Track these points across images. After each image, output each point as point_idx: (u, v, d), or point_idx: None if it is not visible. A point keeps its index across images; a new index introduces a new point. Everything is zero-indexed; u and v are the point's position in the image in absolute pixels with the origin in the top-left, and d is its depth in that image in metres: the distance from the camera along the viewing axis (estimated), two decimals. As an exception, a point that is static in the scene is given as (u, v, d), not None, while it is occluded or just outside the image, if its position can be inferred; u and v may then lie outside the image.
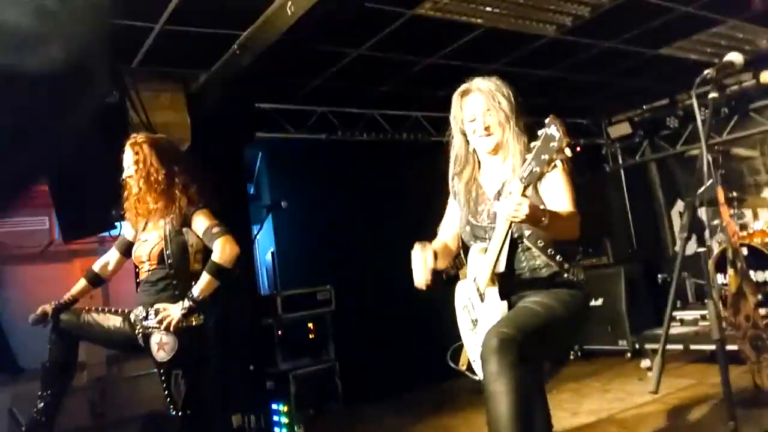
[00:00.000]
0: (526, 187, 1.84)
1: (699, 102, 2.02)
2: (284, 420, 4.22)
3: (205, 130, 4.39)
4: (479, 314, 2.11)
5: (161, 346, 2.64)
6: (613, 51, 5.03)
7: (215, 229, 2.72)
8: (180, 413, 2.60)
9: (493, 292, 2.02)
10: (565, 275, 2.05)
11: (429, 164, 5.44)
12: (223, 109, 4.40)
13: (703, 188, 1.81)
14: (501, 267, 2.01)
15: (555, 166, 1.78)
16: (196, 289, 2.66)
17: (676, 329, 5.35)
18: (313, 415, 4.67)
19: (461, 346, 2.24)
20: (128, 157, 2.83)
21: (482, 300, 2.08)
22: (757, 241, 4.83)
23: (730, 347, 4.50)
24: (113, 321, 2.79)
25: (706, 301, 5.21)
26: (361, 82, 5.06)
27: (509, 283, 2.03)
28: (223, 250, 2.67)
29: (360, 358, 5.09)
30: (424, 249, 2.14)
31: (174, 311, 2.64)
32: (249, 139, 4.95)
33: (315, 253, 5.25)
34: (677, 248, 7.14)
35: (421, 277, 2.14)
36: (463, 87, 2.20)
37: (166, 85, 4.32)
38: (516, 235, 2.01)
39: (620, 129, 7.10)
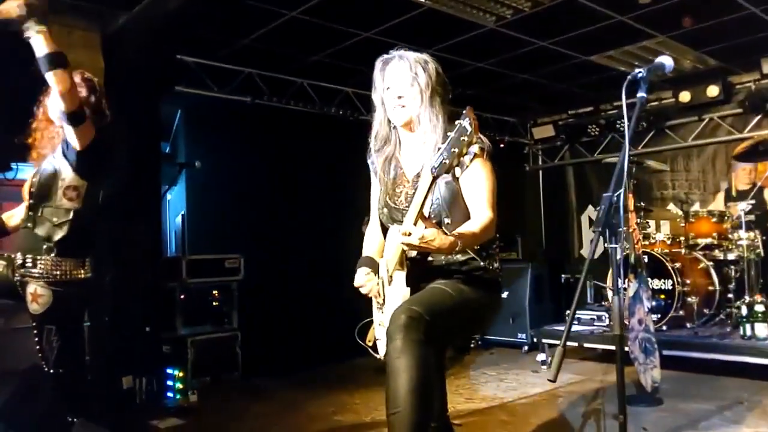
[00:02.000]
0: (431, 186, 1.77)
1: (624, 106, 2.00)
2: (178, 385, 4.12)
3: (121, 76, 4.10)
4: (386, 296, 2.05)
5: (35, 298, 2.43)
6: (547, 51, 5.11)
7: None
8: (52, 371, 2.42)
9: (400, 276, 1.96)
10: (481, 263, 2.02)
11: (355, 143, 5.35)
12: (142, 55, 4.14)
13: (621, 190, 1.80)
14: (411, 253, 1.94)
15: (462, 160, 1.73)
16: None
17: (573, 327, 5.56)
18: (210, 383, 4.57)
19: (371, 323, 2.18)
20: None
21: (389, 283, 2.02)
22: (657, 251, 5.07)
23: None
24: None
25: (605, 302, 5.45)
26: (294, 48, 4.90)
27: (418, 270, 1.97)
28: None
29: (263, 330, 5.01)
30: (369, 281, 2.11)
31: None
32: (167, 91, 4.71)
33: (227, 220, 5.10)
34: (583, 251, 7.49)
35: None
36: (386, 55, 2.10)
37: (81, 21, 3.99)
38: (434, 221, 1.93)
39: (544, 131, 7.32)
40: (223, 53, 4.95)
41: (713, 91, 5.83)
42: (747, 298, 4.65)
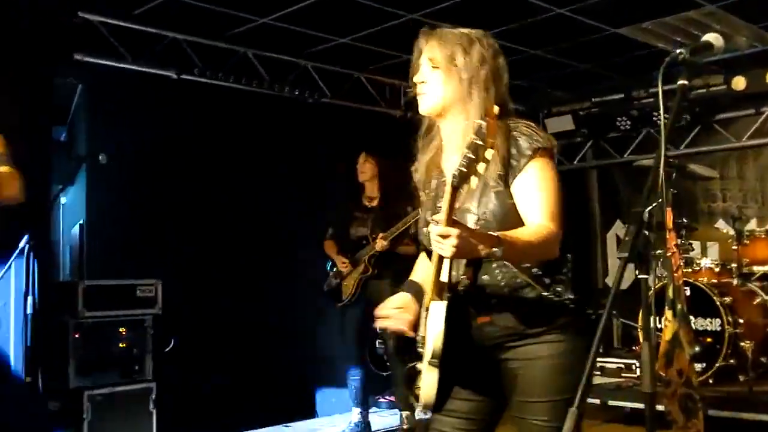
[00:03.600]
0: (453, 195, 1.82)
1: (660, 94, 2.01)
2: None
3: (2, 38, 4.04)
4: (426, 334, 2.05)
5: None
6: (565, 20, 5.17)
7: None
8: None
9: (438, 309, 1.97)
10: (549, 295, 2.05)
11: (315, 132, 5.44)
12: (28, 11, 4.06)
13: (655, 204, 1.80)
14: (443, 276, 1.98)
15: (476, 170, 1.77)
16: None
17: (594, 379, 5.59)
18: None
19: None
20: None
21: (426, 317, 2.03)
22: (702, 281, 5.13)
23: (658, 407, 4.79)
24: None
25: (635, 346, 5.50)
26: (235, 6, 4.88)
27: (472, 299, 2.04)
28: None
29: (187, 381, 4.99)
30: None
31: None
32: (63, 61, 4.68)
33: (142, 233, 5.08)
34: (609, 280, 7.57)
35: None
36: (419, 37, 2.15)
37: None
38: None
39: (560, 123, 7.34)
40: (141, 12, 4.93)
41: (775, 77, 5.95)
42: (816, 344, 4.73)
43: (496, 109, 1.80)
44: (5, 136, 2.87)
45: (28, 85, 4.26)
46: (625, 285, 7.96)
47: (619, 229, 7.56)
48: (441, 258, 1.96)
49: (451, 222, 1.85)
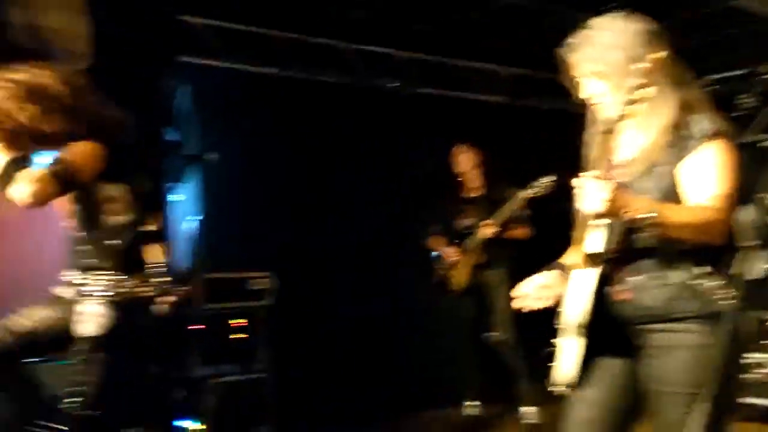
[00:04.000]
0: (607, 142, 1.92)
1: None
2: None
3: (110, 44, 4.20)
4: (570, 305, 2.10)
5: (90, 318, 2.68)
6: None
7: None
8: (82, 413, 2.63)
9: (588, 276, 2.01)
10: (702, 281, 1.98)
11: (415, 124, 5.37)
12: (135, 17, 4.22)
13: None
14: (593, 246, 2.01)
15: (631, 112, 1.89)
16: None
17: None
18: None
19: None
20: None
21: (574, 285, 2.09)
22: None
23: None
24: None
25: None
26: (332, 1, 4.96)
27: (614, 272, 2.03)
28: None
29: (304, 369, 5.12)
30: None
31: None
32: (169, 63, 4.87)
33: (253, 227, 5.19)
34: (736, 270, 7.18)
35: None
36: (569, 42, 2.15)
37: (56, -25, 4.15)
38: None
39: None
40: (240, 11, 5.06)
41: None
42: None
43: (655, 56, 1.86)
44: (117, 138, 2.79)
45: (136, 88, 4.43)
46: (757, 275, 7.59)
47: (750, 213, 7.14)
48: (587, 224, 1.97)
49: (604, 174, 1.85)
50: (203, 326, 4.77)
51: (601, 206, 1.80)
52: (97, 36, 4.23)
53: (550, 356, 2.19)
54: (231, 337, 4.89)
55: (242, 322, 4.94)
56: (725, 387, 1.94)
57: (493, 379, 5.35)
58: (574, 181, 1.86)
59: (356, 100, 5.71)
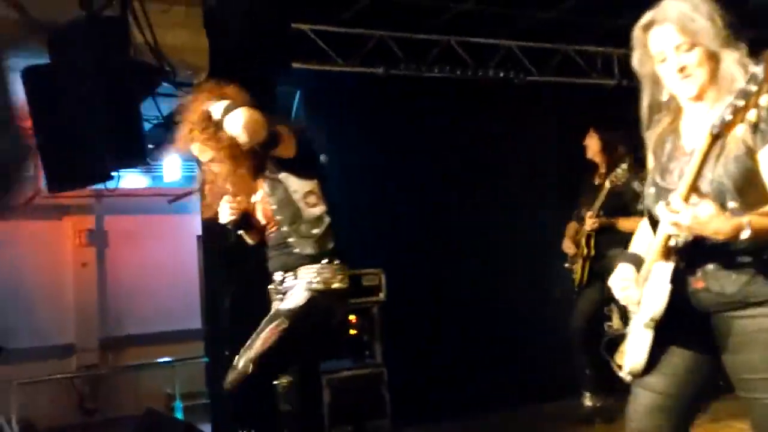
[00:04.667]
0: (708, 153, 1.83)
1: None
2: None
3: (227, 56, 4.43)
4: (643, 296, 2.09)
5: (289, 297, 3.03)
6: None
7: None
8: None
9: (663, 269, 2.01)
10: None
11: (525, 112, 5.37)
12: (250, 27, 4.42)
13: None
14: (680, 239, 2.00)
15: (746, 116, 1.77)
16: None
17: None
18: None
19: (621, 336, 2.24)
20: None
21: (646, 278, 2.08)
22: None
23: None
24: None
25: None
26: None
27: (689, 261, 2.02)
28: None
29: (416, 364, 5.17)
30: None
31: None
32: (283, 69, 5.04)
33: (363, 225, 5.26)
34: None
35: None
36: (646, 18, 2.15)
37: (179, -5, 4.39)
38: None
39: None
40: (347, 15, 5.20)
41: None
42: None
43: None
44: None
45: (255, 92, 4.58)
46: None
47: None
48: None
49: (696, 190, 1.86)
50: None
51: (686, 233, 1.85)
52: (215, 49, 4.49)
53: (612, 343, 2.24)
54: (349, 333, 4.98)
55: (355, 318, 5.07)
56: None
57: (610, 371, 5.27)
58: (664, 209, 1.86)
59: (462, 94, 5.70)
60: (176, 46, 4.30)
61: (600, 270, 4.90)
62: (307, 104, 5.59)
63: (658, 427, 2.10)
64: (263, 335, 2.91)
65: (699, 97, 2.09)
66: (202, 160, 3.08)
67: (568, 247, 5.04)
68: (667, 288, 1.97)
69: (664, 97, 2.19)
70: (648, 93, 2.22)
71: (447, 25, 5.50)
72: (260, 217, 3.21)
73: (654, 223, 2.12)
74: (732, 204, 1.94)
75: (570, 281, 5.09)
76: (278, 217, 3.10)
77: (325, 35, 5.33)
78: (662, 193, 2.09)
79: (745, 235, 1.81)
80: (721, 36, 2.03)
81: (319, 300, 3.00)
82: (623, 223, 4.78)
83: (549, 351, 5.47)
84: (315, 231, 3.08)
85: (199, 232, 6.12)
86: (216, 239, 4.73)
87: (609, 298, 4.97)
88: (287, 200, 3.09)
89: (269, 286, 3.23)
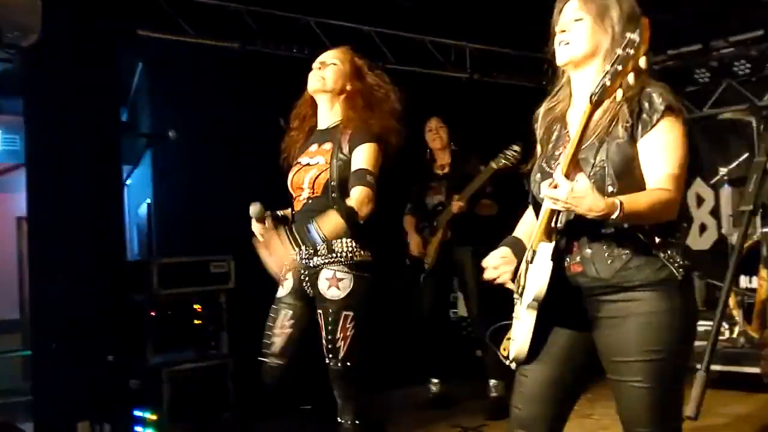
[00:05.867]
0: (587, 122, 1.89)
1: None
2: None
3: (62, 17, 4.10)
4: (527, 279, 2.12)
5: (334, 283, 3.07)
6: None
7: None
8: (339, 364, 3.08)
9: (546, 249, 2.04)
10: (653, 251, 2.04)
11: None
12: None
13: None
14: (561, 221, 2.08)
15: (622, 81, 1.84)
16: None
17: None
18: (193, 428, 4.59)
19: (506, 325, 2.26)
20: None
21: (531, 260, 2.11)
22: (795, 238, 5.00)
23: (750, 370, 4.72)
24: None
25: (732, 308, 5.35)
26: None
27: (568, 245, 2.10)
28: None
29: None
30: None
31: None
32: (126, 38, 4.75)
33: (211, 209, 5.15)
34: (691, 242, 7.39)
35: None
36: None
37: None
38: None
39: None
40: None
41: None
42: None
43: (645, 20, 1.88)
44: (75, 117, 2.84)
45: (92, 61, 4.32)
46: (707, 245, 7.85)
47: (699, 187, 7.37)
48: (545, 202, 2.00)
49: (576, 164, 1.90)
50: (160, 312, 4.71)
51: (564, 207, 1.88)
52: (49, 8, 4.14)
53: (499, 331, 2.27)
54: (194, 322, 4.84)
55: (200, 307, 4.88)
56: (680, 353, 2.06)
57: (458, 356, 5.41)
58: (547, 186, 1.91)
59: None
60: (7, 3, 3.99)
61: (453, 257, 5.04)
62: (152, 77, 5.33)
63: (543, 414, 2.15)
64: (340, 334, 3.07)
65: (580, 72, 2.15)
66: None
67: (416, 244, 5.10)
68: (549, 266, 2.00)
69: (563, 82, 2.24)
70: (556, 82, 2.26)
71: (309, 4, 5.41)
72: (303, 181, 3.22)
73: (538, 208, 2.16)
74: (611, 189, 2.00)
75: (415, 267, 5.19)
76: (333, 195, 3.10)
77: (177, 3, 5.05)
78: (546, 178, 2.14)
79: (616, 215, 1.86)
80: (623, 21, 2.08)
81: (360, 279, 3.09)
82: (485, 209, 4.95)
83: (397, 338, 5.55)
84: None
85: (20, 212, 5.71)
86: (45, 222, 4.42)
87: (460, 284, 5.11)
88: (347, 174, 3.09)
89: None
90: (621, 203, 1.87)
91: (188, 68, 5.22)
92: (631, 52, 1.80)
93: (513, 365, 2.21)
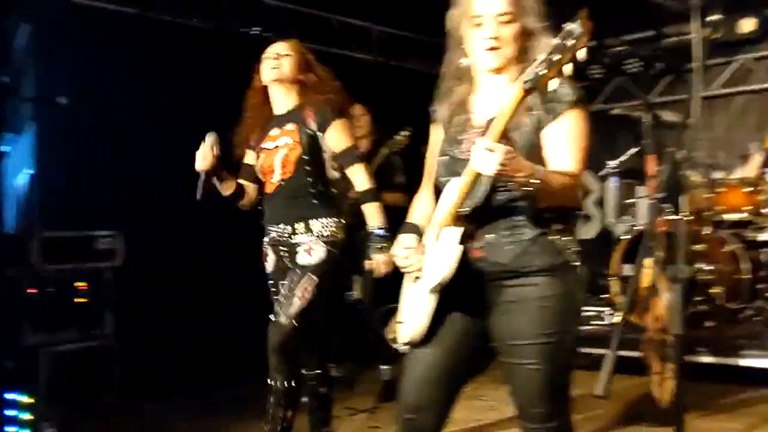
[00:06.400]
0: (519, 106, 1.88)
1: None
2: (25, 416, 4.00)
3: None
4: (428, 262, 2.16)
5: (308, 251, 3.30)
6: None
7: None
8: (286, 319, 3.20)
9: (451, 233, 2.08)
10: (550, 237, 2.11)
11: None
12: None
13: (684, 150, 1.85)
14: (470, 204, 2.09)
15: (560, 70, 1.82)
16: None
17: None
18: (73, 412, 4.43)
19: (393, 309, 2.32)
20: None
21: (435, 244, 2.15)
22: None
23: (630, 353, 4.95)
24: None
25: (612, 295, 5.59)
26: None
27: (471, 231, 2.12)
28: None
29: (150, 336, 5.01)
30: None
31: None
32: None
33: (98, 182, 5.03)
34: (583, 232, 7.66)
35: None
36: None
37: None
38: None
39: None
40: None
41: (747, 25, 6.09)
42: (783, 289, 4.94)
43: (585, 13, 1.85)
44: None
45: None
46: (591, 234, 8.14)
47: (586, 178, 7.68)
48: (471, 183, 2.01)
49: (501, 139, 1.90)
50: (41, 289, 4.56)
51: (495, 169, 1.85)
52: None
53: (390, 314, 2.31)
54: (75, 301, 4.68)
55: (85, 285, 4.74)
56: (572, 335, 2.14)
57: (352, 338, 5.43)
58: (476, 146, 1.89)
59: (222, 47, 5.52)
60: None
61: (354, 240, 5.03)
62: (40, 40, 5.05)
63: (431, 397, 2.17)
64: (299, 291, 3.21)
65: (498, 71, 2.16)
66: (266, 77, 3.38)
67: None
68: (457, 251, 2.05)
69: (462, 63, 2.23)
70: (448, 58, 2.26)
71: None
72: (273, 164, 3.36)
73: (439, 192, 2.21)
74: None
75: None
76: (307, 168, 3.30)
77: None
78: (456, 162, 2.18)
79: (535, 181, 1.90)
80: (541, 18, 2.12)
81: (332, 253, 3.31)
82: (387, 197, 4.95)
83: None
84: (334, 191, 3.42)
85: None
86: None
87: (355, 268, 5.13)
88: (320, 156, 3.33)
89: (267, 238, 3.45)
90: (540, 169, 1.95)
91: (81, 33, 5.03)
92: (570, 43, 1.80)
93: (402, 348, 2.23)
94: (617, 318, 5.33)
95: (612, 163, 6.26)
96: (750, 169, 5.93)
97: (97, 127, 5.00)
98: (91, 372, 4.62)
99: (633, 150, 6.16)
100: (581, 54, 1.81)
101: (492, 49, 2.11)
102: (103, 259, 4.75)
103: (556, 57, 1.80)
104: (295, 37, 5.73)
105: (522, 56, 2.12)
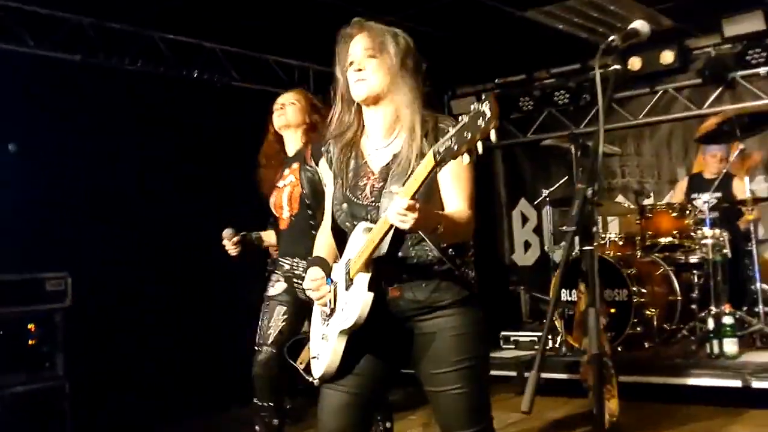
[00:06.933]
0: (429, 175, 1.97)
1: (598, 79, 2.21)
2: None
3: None
4: (339, 303, 2.26)
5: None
6: (472, 3, 5.40)
7: None
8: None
9: (363, 279, 2.16)
10: (456, 272, 2.25)
11: (229, 117, 5.70)
12: None
13: (595, 184, 2.01)
14: (381, 251, 2.19)
15: (473, 149, 1.89)
16: None
17: (509, 352, 5.92)
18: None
19: (302, 340, 2.43)
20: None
21: (347, 288, 2.23)
22: (608, 254, 5.52)
23: (570, 377, 5.12)
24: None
25: (546, 319, 5.80)
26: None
27: (387, 273, 2.22)
28: None
29: (102, 377, 4.99)
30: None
31: None
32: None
33: (49, 223, 5.02)
34: (516, 257, 7.91)
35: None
36: (349, 28, 2.33)
37: None
38: None
39: (466, 105, 7.65)
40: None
41: (667, 57, 6.41)
42: (713, 309, 5.18)
43: (493, 96, 1.94)
44: None
45: None
46: (531, 260, 8.40)
47: (523, 207, 7.94)
48: (385, 233, 2.10)
49: (415, 198, 1.99)
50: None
51: (411, 225, 1.95)
52: None
53: (298, 344, 2.43)
54: (25, 343, 4.65)
55: (34, 327, 4.69)
56: (486, 357, 2.31)
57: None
58: (394, 204, 1.97)
59: (163, 91, 5.60)
60: None
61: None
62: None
63: (347, 424, 2.28)
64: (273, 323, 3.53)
65: (374, 106, 2.30)
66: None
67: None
68: (368, 297, 2.14)
69: (353, 110, 2.37)
70: (338, 105, 2.38)
71: (153, 19, 5.36)
72: (283, 201, 3.64)
73: (342, 234, 2.35)
74: None
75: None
76: (308, 202, 3.56)
77: (17, 12, 4.92)
78: (354, 207, 2.31)
79: (442, 225, 2.04)
80: (406, 63, 2.27)
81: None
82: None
83: (239, 356, 5.56)
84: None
85: None
86: None
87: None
88: (316, 185, 3.48)
89: (280, 271, 3.66)
90: (445, 215, 2.12)
91: (27, 79, 5.05)
92: (482, 125, 1.85)
93: (316, 382, 2.33)
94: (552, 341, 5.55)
95: (545, 192, 6.46)
96: (677, 195, 6.27)
97: (45, 171, 5.00)
98: (43, 414, 4.57)
99: (564, 179, 6.42)
100: (492, 136, 1.87)
101: (359, 80, 2.26)
102: (52, 300, 4.72)
103: (467, 135, 1.87)
104: (232, 77, 5.96)
105: (391, 96, 2.26)
